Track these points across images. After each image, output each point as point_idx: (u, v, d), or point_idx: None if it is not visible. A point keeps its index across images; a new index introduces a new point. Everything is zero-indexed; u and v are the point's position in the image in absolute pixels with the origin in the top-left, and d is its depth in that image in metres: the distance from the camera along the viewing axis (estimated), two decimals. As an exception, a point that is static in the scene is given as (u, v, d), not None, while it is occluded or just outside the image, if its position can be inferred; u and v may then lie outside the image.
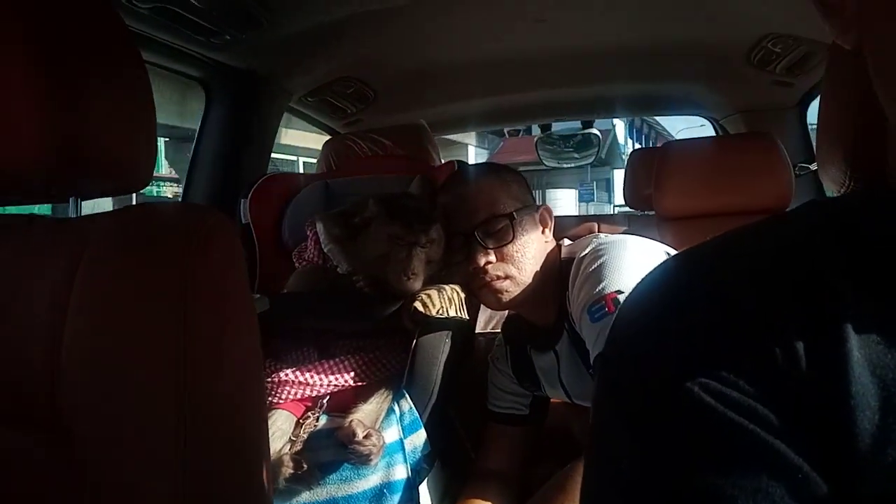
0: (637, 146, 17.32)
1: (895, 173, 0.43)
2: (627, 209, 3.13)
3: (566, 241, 1.28)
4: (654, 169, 1.95)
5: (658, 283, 0.43)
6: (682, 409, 0.36)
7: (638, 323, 0.42)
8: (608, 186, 18.89)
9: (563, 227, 1.39)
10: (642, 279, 0.44)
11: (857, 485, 0.33)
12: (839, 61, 0.59)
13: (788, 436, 0.34)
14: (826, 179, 0.62)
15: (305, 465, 1.06)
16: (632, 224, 2.28)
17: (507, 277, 1.17)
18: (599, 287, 1.04)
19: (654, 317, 0.41)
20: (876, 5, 0.39)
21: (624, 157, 16.48)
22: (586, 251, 1.14)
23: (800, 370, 0.35)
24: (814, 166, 2.28)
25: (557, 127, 3.01)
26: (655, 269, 0.44)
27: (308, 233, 1.36)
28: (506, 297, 1.19)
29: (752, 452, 0.34)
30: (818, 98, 2.14)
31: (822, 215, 0.42)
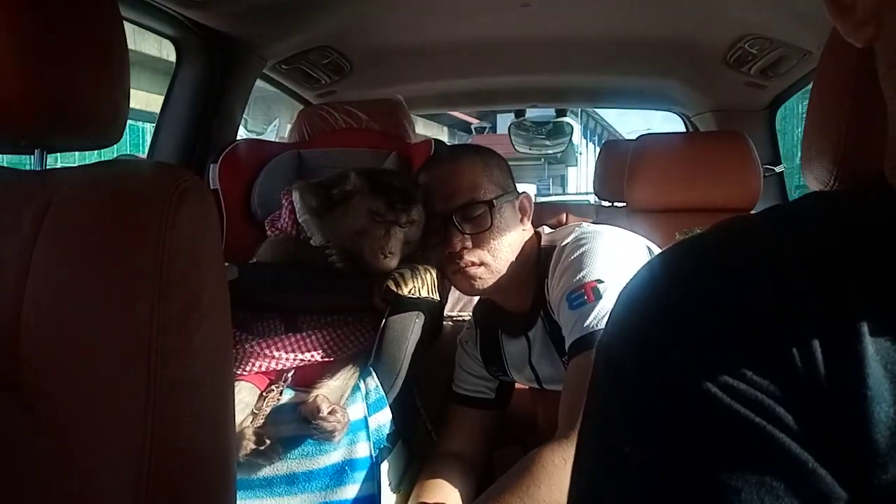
0: (590, 146, 18.46)
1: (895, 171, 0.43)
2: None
3: (546, 229, 1.28)
4: (627, 161, 1.96)
5: (666, 271, 0.42)
6: (688, 399, 0.36)
7: (643, 309, 0.41)
8: (562, 182, 19.87)
9: (536, 212, 1.39)
10: (647, 264, 0.43)
11: (871, 477, 0.33)
12: (833, 59, 0.59)
13: (796, 430, 0.34)
14: (810, 178, 0.62)
15: (268, 440, 1.04)
16: (601, 214, 2.30)
17: (481, 264, 1.17)
18: (580, 275, 1.05)
19: (662, 304, 0.40)
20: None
21: (578, 156, 17.39)
22: (568, 240, 1.14)
23: (814, 364, 0.35)
24: (779, 168, 2.34)
25: (531, 114, 3.01)
26: (662, 254, 0.43)
27: (283, 201, 1.33)
28: (479, 284, 1.18)
29: (757, 446, 0.34)
30: (787, 102, 2.19)
31: (829, 209, 0.42)
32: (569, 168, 19.37)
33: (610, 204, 2.56)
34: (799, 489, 0.33)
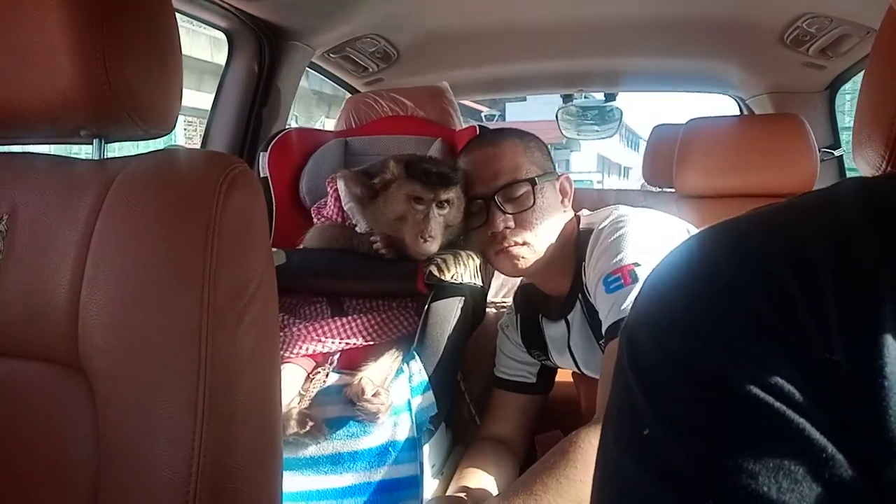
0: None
1: None
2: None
3: (585, 212, 1.27)
4: (677, 146, 1.92)
5: (691, 257, 0.42)
6: (707, 383, 0.36)
7: (668, 296, 0.41)
8: (566, 167, 21.73)
9: (579, 200, 1.38)
10: (673, 250, 0.43)
11: (886, 465, 0.33)
12: (889, 40, 0.57)
13: (816, 416, 0.34)
14: (861, 162, 0.61)
15: (313, 421, 1.07)
16: (649, 200, 2.26)
17: (524, 244, 1.17)
18: (617, 258, 1.04)
19: (685, 288, 0.40)
20: None
21: (580, 144, 19.45)
22: (605, 222, 1.13)
23: (832, 351, 0.35)
24: (838, 152, 2.25)
25: (578, 99, 2.97)
26: (688, 241, 0.43)
27: (329, 189, 1.35)
28: (522, 264, 1.18)
29: (776, 430, 0.34)
30: (849, 82, 2.11)
31: (861, 197, 0.41)
32: (572, 153, 23.27)
33: (659, 189, 2.52)
34: (817, 474, 0.33)
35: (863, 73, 0.60)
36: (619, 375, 0.42)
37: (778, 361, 0.35)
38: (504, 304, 1.66)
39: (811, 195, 0.44)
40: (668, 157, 2.01)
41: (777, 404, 0.34)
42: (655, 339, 0.40)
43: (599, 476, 0.42)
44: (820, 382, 0.35)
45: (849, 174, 2.31)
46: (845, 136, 2.34)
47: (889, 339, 0.34)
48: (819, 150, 1.91)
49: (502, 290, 1.77)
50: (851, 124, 0.61)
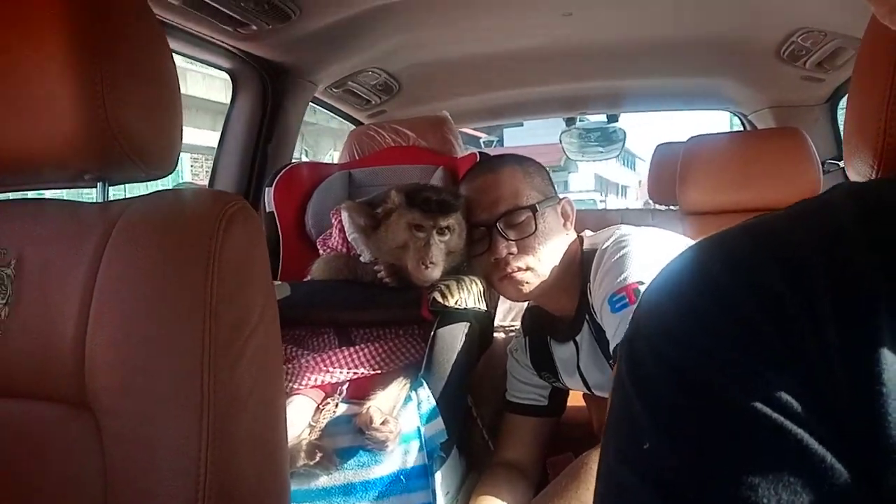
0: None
1: None
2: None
3: (588, 233, 1.28)
4: (679, 163, 1.93)
5: (686, 268, 0.42)
6: (705, 396, 0.36)
7: (663, 307, 0.42)
8: (565, 188, 22.41)
9: (585, 221, 1.39)
10: (668, 263, 0.44)
11: (885, 473, 0.33)
12: (871, 53, 0.58)
13: (814, 425, 0.34)
14: (853, 173, 0.61)
15: (323, 452, 1.07)
16: (655, 218, 2.26)
17: (528, 269, 1.18)
18: (621, 277, 1.05)
19: (680, 302, 0.40)
20: None
21: (578, 164, 19.68)
22: (608, 242, 1.14)
23: (830, 359, 0.35)
24: (843, 163, 2.24)
25: (581, 121, 2.99)
26: (683, 254, 0.43)
27: (333, 221, 1.37)
28: (526, 289, 1.19)
29: (774, 441, 0.34)
30: (849, 93, 2.10)
31: (854, 203, 0.41)
32: (570, 174, 24.45)
33: (665, 207, 2.52)
34: (816, 485, 0.33)
35: (850, 84, 0.61)
36: (619, 387, 0.42)
37: (774, 371, 0.35)
38: (512, 328, 1.66)
39: (804, 202, 0.44)
40: (672, 174, 2.02)
41: (774, 415, 0.34)
42: (653, 351, 0.40)
43: (600, 488, 0.42)
44: (817, 391, 0.35)
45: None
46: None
47: (885, 345, 0.34)
48: (824, 162, 1.92)
49: (510, 314, 1.78)
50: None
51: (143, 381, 0.65)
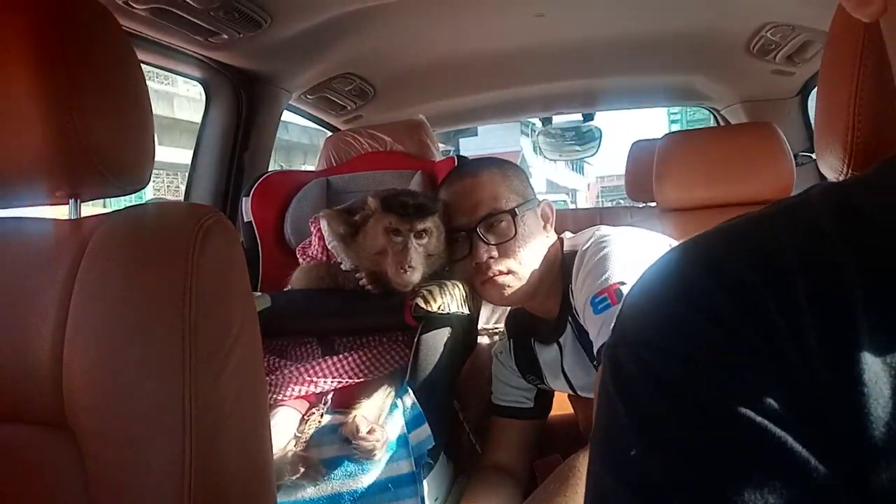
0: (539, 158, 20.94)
1: None
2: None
3: (568, 234, 1.28)
4: (655, 160, 1.95)
5: (664, 274, 0.42)
6: (687, 401, 0.36)
7: (643, 313, 0.42)
8: None
9: (564, 219, 1.39)
10: (648, 268, 0.44)
11: (868, 472, 0.33)
12: (837, 48, 0.59)
13: (798, 428, 0.34)
14: (825, 167, 0.62)
15: (309, 463, 1.06)
16: (634, 216, 2.28)
17: (509, 272, 1.18)
18: (602, 279, 1.05)
19: (659, 308, 0.41)
20: None
21: (531, 170, 19.36)
22: (588, 244, 1.14)
23: (810, 360, 0.35)
24: (815, 155, 2.28)
25: (557, 120, 3.01)
26: (661, 258, 0.44)
27: (312, 229, 1.36)
28: (508, 292, 1.19)
29: (758, 445, 0.34)
30: (819, 86, 2.13)
31: (829, 202, 0.42)
32: None
33: (643, 204, 2.54)
34: (802, 488, 0.33)
35: (818, 81, 0.62)
36: (603, 394, 0.42)
37: (755, 375, 0.35)
38: (496, 331, 1.67)
39: (782, 204, 0.44)
40: (648, 172, 2.03)
41: (757, 418, 0.34)
42: (635, 357, 0.40)
43: (588, 496, 0.41)
44: (798, 394, 0.35)
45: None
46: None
47: (865, 345, 0.35)
48: (797, 155, 1.94)
49: (493, 317, 1.77)
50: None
51: (122, 401, 0.64)
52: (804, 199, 0.44)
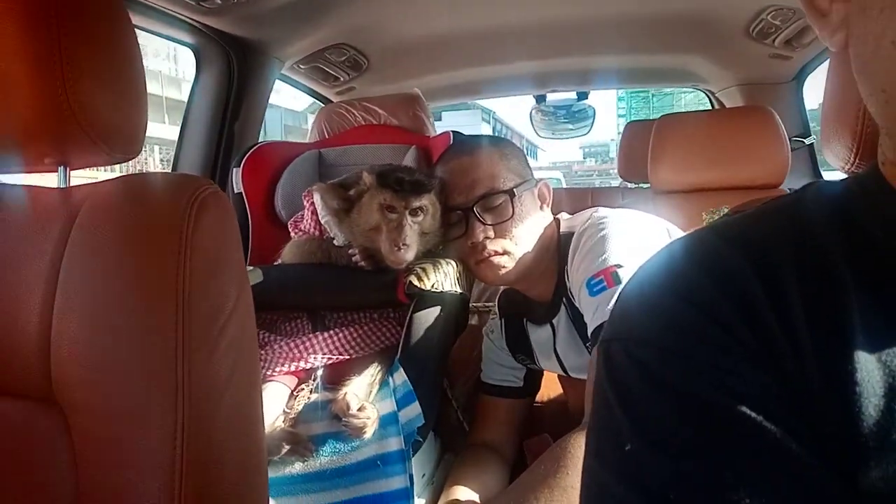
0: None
1: (889, 163, 0.42)
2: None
3: (564, 215, 1.27)
4: (650, 142, 1.94)
5: (659, 271, 0.43)
6: (681, 397, 0.37)
7: (637, 310, 0.42)
8: None
9: (557, 199, 1.38)
10: (645, 262, 0.44)
11: (862, 469, 0.33)
12: None
13: (791, 424, 0.34)
14: (830, 156, 0.61)
15: (297, 439, 1.05)
16: (626, 197, 2.28)
17: (504, 253, 1.17)
18: (598, 261, 1.04)
19: (654, 305, 0.41)
20: (858, 8, 0.39)
21: None
22: (585, 225, 1.14)
23: (804, 358, 0.35)
24: (808, 140, 2.28)
25: (551, 98, 2.98)
26: (657, 254, 0.44)
27: (305, 203, 1.34)
28: (503, 272, 1.18)
29: (752, 441, 0.34)
30: (815, 71, 2.14)
31: (825, 203, 0.42)
32: None
33: (635, 185, 2.53)
34: (795, 482, 0.34)
35: (827, 67, 0.61)
36: (598, 390, 0.42)
37: (750, 373, 0.36)
38: (487, 308, 1.66)
39: (777, 203, 0.45)
40: (643, 153, 2.02)
41: (752, 415, 0.35)
42: (630, 353, 0.40)
43: (584, 491, 0.42)
44: (791, 391, 0.35)
45: (820, 162, 2.35)
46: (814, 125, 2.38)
47: (858, 344, 0.35)
48: (791, 140, 1.94)
49: (485, 295, 1.77)
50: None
51: (112, 376, 0.62)
52: (799, 199, 0.44)
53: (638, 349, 0.40)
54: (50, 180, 0.75)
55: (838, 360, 0.35)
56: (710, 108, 2.78)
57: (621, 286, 1.01)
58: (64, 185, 0.73)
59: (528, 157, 1.33)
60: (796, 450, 0.34)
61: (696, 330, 0.38)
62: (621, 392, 0.40)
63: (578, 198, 2.39)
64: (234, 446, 0.69)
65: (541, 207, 1.23)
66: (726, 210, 1.83)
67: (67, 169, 0.74)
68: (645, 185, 2.33)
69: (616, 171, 2.79)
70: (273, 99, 1.94)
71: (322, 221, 1.28)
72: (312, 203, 1.30)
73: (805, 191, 0.45)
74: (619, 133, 2.98)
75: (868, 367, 0.34)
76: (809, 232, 0.40)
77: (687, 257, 0.42)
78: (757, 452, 0.34)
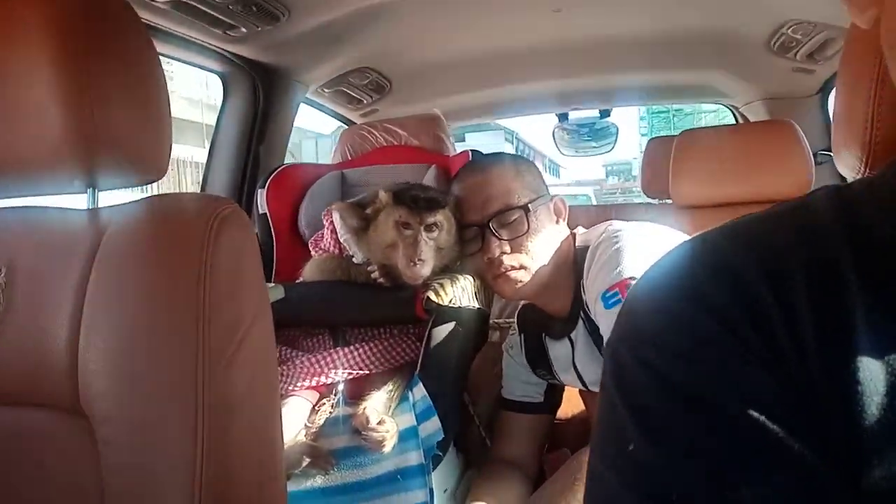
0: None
1: None
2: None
3: (580, 230, 1.28)
4: (672, 157, 1.94)
5: (667, 272, 0.43)
6: (685, 398, 0.37)
7: (645, 311, 0.42)
8: None
9: (578, 216, 1.39)
10: (652, 265, 0.44)
11: (865, 469, 0.33)
12: (856, 46, 0.58)
13: (794, 426, 0.34)
14: (841, 166, 0.62)
15: (319, 453, 1.07)
16: (649, 213, 2.27)
17: (521, 267, 1.18)
18: (614, 273, 1.05)
19: (661, 306, 0.41)
20: None
21: None
22: (600, 238, 1.14)
23: (809, 360, 0.35)
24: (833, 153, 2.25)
25: (574, 116, 2.99)
26: (667, 255, 0.44)
27: (325, 222, 1.37)
28: (520, 287, 1.19)
29: (755, 442, 0.34)
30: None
31: (834, 206, 0.42)
32: None
33: (658, 201, 2.52)
34: (798, 484, 0.34)
35: (836, 78, 0.61)
36: (604, 392, 0.42)
37: (757, 376, 0.36)
38: (508, 324, 1.67)
39: (786, 205, 0.45)
40: (665, 168, 2.02)
41: (756, 416, 0.35)
42: (636, 355, 0.40)
43: (587, 492, 0.42)
44: (797, 393, 0.35)
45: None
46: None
47: (861, 344, 0.35)
48: (816, 154, 1.92)
49: (505, 311, 1.78)
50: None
51: (136, 388, 0.65)
52: (809, 202, 0.44)
53: (643, 350, 0.40)
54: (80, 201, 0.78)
55: (842, 360, 0.35)
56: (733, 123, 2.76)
57: None
58: (92, 206, 0.77)
59: (550, 175, 1.35)
60: (800, 451, 0.34)
61: (704, 332, 0.38)
62: (626, 392, 0.40)
63: (600, 214, 2.38)
64: (253, 459, 0.71)
65: (556, 222, 1.25)
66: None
67: (96, 191, 0.78)
68: (668, 202, 2.32)
69: (639, 188, 2.78)
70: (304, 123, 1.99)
71: (341, 240, 1.31)
72: (332, 222, 1.34)
73: (813, 195, 0.44)
74: (641, 152, 2.97)
75: (871, 368, 0.34)
76: (818, 235, 0.40)
77: (695, 259, 0.42)
78: (761, 453, 0.34)
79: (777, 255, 0.39)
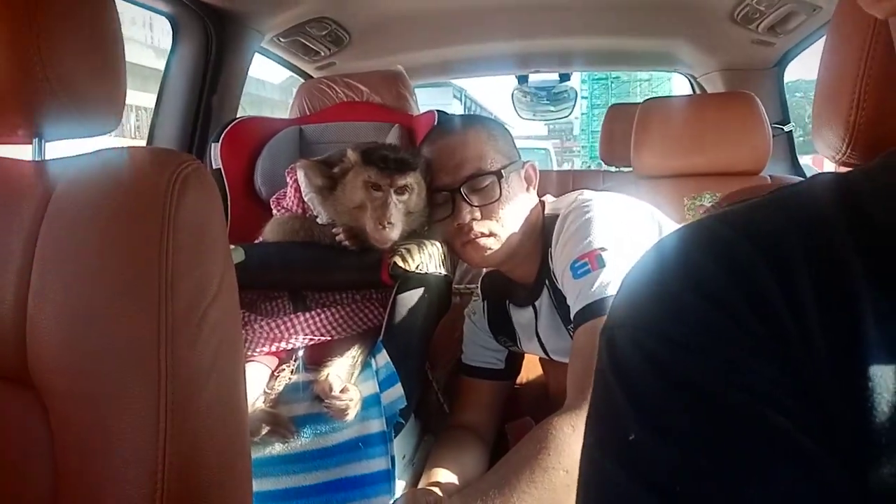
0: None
1: None
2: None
3: (549, 198, 1.26)
4: (633, 126, 1.94)
5: (667, 259, 0.42)
6: (689, 387, 0.36)
7: (644, 298, 0.41)
8: None
9: (543, 180, 1.37)
10: (651, 248, 0.43)
11: (873, 465, 0.33)
12: (845, 25, 0.57)
13: (800, 418, 0.34)
14: (822, 145, 0.61)
15: (279, 420, 1.04)
16: (608, 181, 2.28)
17: (491, 235, 1.15)
18: (583, 243, 1.04)
19: (662, 293, 0.40)
20: None
21: None
22: (570, 207, 1.13)
23: (814, 350, 0.35)
24: (788, 127, 2.30)
25: (533, 79, 2.97)
26: (664, 239, 0.43)
27: (288, 180, 1.31)
28: (489, 254, 1.17)
29: (760, 434, 0.34)
30: (797, 59, 2.15)
31: (836, 193, 0.42)
32: None
33: (616, 169, 2.54)
34: (803, 477, 0.33)
35: (821, 54, 0.60)
36: (600, 378, 0.41)
37: (760, 365, 0.35)
38: (469, 290, 1.65)
39: (787, 191, 0.44)
40: (625, 137, 2.02)
41: (760, 407, 0.34)
42: (635, 342, 0.39)
43: (584, 479, 0.41)
44: (803, 385, 0.34)
45: (798, 149, 2.37)
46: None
47: (870, 338, 0.34)
48: (771, 126, 1.95)
49: (467, 276, 1.76)
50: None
51: (92, 359, 0.60)
52: (807, 189, 0.44)
53: (645, 338, 0.39)
54: (23, 153, 0.71)
55: (849, 354, 0.34)
56: (686, 93, 2.79)
57: (605, 269, 1.02)
58: (39, 159, 0.70)
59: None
60: (806, 443, 0.33)
61: (707, 321, 0.37)
62: (626, 380, 0.39)
63: (559, 181, 2.38)
64: (219, 430, 0.67)
65: (527, 189, 1.22)
66: (708, 196, 1.86)
67: (43, 141, 0.71)
68: (626, 169, 2.33)
69: (578, 149, 2.81)
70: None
71: (305, 199, 1.26)
72: (296, 180, 1.28)
73: (812, 181, 0.44)
74: (582, 113, 2.99)
75: (881, 359, 0.34)
76: (819, 223, 0.39)
77: (697, 247, 0.41)
78: (766, 445, 0.34)
79: (779, 242, 0.39)
